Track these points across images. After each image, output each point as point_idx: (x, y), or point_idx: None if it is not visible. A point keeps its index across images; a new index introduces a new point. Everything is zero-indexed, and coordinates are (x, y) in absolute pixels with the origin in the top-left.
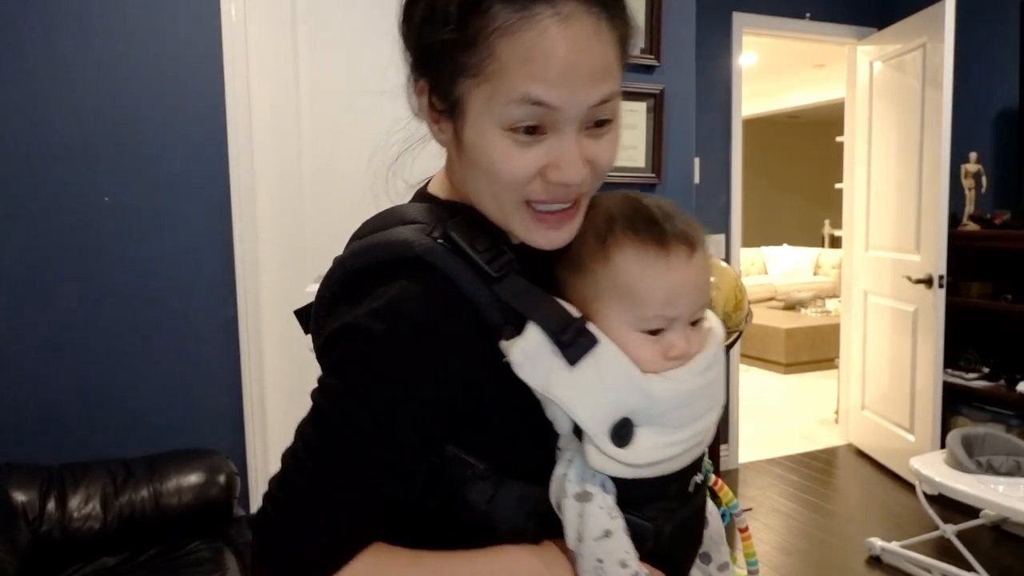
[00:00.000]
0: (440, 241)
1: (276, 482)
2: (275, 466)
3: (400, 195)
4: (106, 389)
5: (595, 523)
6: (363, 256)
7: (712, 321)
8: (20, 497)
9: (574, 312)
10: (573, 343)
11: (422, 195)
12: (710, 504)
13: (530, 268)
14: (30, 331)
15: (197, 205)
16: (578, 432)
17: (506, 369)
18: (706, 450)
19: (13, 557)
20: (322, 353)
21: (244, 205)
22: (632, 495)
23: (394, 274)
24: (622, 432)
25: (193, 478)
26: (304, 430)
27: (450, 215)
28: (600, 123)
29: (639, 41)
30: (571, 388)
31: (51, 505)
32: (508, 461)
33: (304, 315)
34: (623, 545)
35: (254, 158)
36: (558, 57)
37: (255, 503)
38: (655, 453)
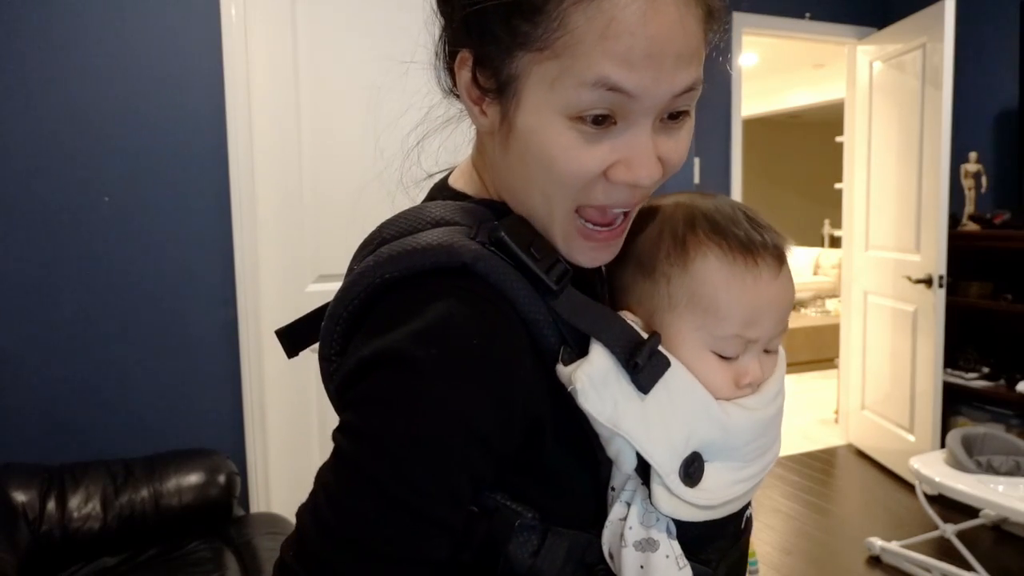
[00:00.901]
0: (490, 247)
1: (292, 548)
2: (275, 466)
3: (422, 188)
4: (106, 389)
5: (661, 575)
6: (393, 265)
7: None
8: (20, 497)
9: (641, 330)
10: (646, 367)
11: (447, 192)
12: None
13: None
14: (30, 331)
15: (197, 206)
16: (641, 470)
17: (563, 399)
18: None
19: (13, 557)
20: (345, 386)
21: (244, 205)
22: (692, 537)
23: (436, 287)
24: (691, 469)
25: (193, 478)
26: (327, 482)
27: (492, 215)
28: (675, 115)
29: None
30: (642, 420)
31: (51, 505)
32: (559, 507)
33: (289, 336)
34: None
35: (254, 158)
36: (645, 35)
37: (255, 503)
38: (727, 491)
